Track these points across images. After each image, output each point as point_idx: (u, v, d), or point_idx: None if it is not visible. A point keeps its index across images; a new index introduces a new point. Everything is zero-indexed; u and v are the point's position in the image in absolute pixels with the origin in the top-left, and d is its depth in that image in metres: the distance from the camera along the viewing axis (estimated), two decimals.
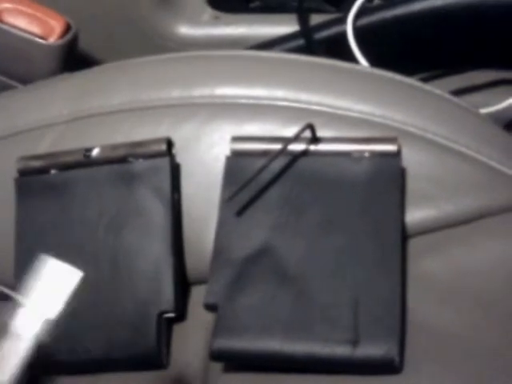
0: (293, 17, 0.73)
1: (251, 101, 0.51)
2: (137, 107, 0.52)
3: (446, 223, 0.46)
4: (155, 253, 0.47)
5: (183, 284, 0.48)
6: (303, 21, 0.72)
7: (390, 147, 0.46)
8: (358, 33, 0.66)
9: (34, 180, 0.50)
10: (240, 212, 0.46)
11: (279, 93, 0.51)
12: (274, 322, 0.42)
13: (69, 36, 0.64)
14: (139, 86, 0.54)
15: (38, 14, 0.63)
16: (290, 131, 0.47)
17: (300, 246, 0.44)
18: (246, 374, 0.42)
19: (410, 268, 0.44)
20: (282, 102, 0.50)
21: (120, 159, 0.49)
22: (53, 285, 0.27)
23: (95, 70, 0.58)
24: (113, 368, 0.46)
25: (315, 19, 0.72)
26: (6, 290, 0.26)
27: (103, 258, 0.47)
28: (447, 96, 0.53)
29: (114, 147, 0.50)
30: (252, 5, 0.79)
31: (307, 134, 0.46)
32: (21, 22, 0.63)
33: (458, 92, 0.68)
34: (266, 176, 0.46)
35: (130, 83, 0.54)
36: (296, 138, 0.46)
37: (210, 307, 0.43)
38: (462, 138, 0.49)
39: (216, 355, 0.42)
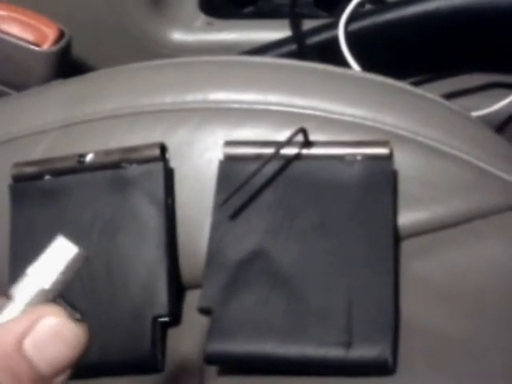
0: (285, 22, 0.73)
1: (244, 105, 0.51)
2: (130, 113, 0.52)
3: (437, 225, 0.47)
4: (149, 257, 0.47)
5: (177, 288, 0.48)
6: (295, 26, 0.72)
7: (382, 150, 0.46)
8: (350, 38, 0.66)
9: (28, 186, 0.50)
10: (233, 216, 0.46)
11: (272, 97, 0.51)
12: (268, 325, 0.42)
13: (62, 43, 0.64)
14: (133, 91, 0.54)
15: (32, 22, 0.64)
16: (282, 135, 0.48)
17: (293, 249, 0.44)
18: (240, 377, 0.42)
19: (403, 270, 0.45)
20: (275, 106, 0.51)
21: (114, 165, 0.49)
22: (50, 258, 0.28)
23: (89, 76, 0.58)
24: (107, 372, 0.46)
25: (307, 24, 0.72)
26: None
27: (98, 263, 0.47)
28: (438, 99, 0.53)
29: (108, 153, 0.50)
30: (244, 10, 0.79)
31: (300, 137, 0.47)
32: (14, 30, 0.63)
33: (450, 95, 0.68)
34: (259, 180, 0.46)
35: (123, 89, 0.54)
36: (289, 142, 0.46)
37: (204, 311, 0.43)
38: (453, 140, 0.49)
39: (211, 359, 0.42)
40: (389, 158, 0.46)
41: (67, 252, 0.28)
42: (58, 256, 0.28)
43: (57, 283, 0.28)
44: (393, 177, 0.46)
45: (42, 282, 0.28)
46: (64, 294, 0.28)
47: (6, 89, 0.65)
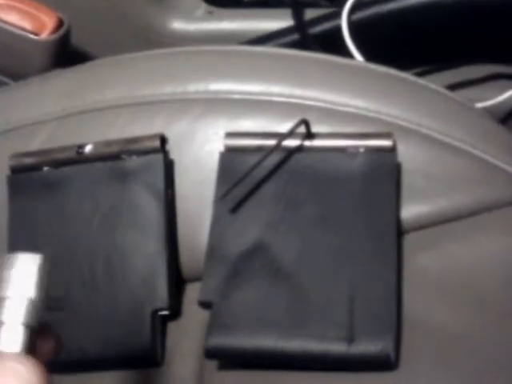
0: (287, 11, 0.72)
1: (245, 96, 0.51)
2: (130, 103, 0.52)
3: (440, 219, 0.46)
4: (149, 250, 0.46)
5: (177, 281, 0.47)
6: (298, 15, 0.71)
7: (386, 142, 0.46)
8: (353, 27, 0.66)
9: (27, 177, 0.50)
10: (234, 208, 0.45)
11: (274, 88, 0.50)
12: (269, 319, 0.41)
13: (61, 32, 0.63)
14: (133, 81, 0.53)
15: (30, 10, 0.63)
16: (284, 127, 0.47)
17: (295, 242, 0.44)
18: (241, 372, 0.42)
19: (406, 264, 0.44)
20: (277, 97, 0.50)
21: (113, 156, 0.49)
22: (21, 274, 0.29)
23: (88, 65, 0.57)
24: (107, 366, 0.45)
25: (310, 14, 0.72)
26: None
27: (97, 256, 0.47)
28: (442, 90, 0.53)
29: (108, 144, 0.49)
30: None
31: (302, 129, 0.46)
32: (13, 18, 0.63)
33: (454, 86, 0.67)
34: (261, 172, 0.46)
35: (123, 79, 0.54)
36: (290, 134, 0.46)
37: (205, 304, 0.43)
38: (457, 132, 0.48)
39: (211, 353, 0.42)
40: (392, 150, 0.46)
41: (33, 261, 0.29)
42: (26, 268, 0.29)
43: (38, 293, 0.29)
44: (396, 169, 0.46)
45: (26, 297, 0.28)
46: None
47: (3, 78, 0.64)
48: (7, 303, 0.28)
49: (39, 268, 0.29)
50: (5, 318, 0.28)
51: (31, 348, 0.28)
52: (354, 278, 0.42)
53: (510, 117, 0.67)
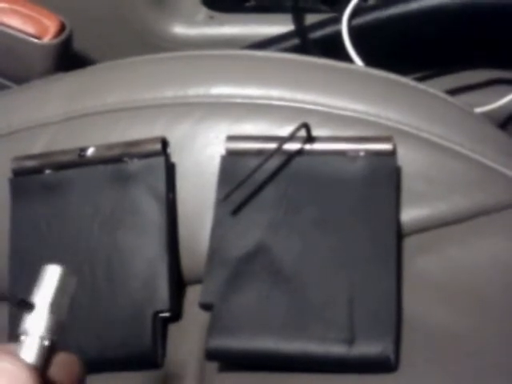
0: (288, 16, 0.73)
1: (246, 100, 0.51)
2: (131, 107, 0.52)
3: (440, 222, 0.47)
4: (150, 252, 0.47)
5: (178, 283, 0.48)
6: (298, 20, 0.72)
7: (386, 146, 0.46)
8: (353, 32, 0.66)
9: (29, 180, 0.50)
10: (235, 211, 0.46)
11: (274, 92, 0.51)
12: (270, 321, 0.42)
13: (63, 36, 0.64)
14: (134, 85, 0.54)
15: (33, 14, 0.63)
16: (285, 130, 0.47)
17: (295, 245, 0.44)
18: (241, 374, 0.42)
19: (406, 267, 0.44)
20: (278, 101, 0.50)
21: (115, 159, 0.49)
22: (43, 285, 0.30)
23: (89, 69, 0.58)
24: (108, 368, 0.45)
25: (310, 19, 0.72)
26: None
27: (98, 258, 0.47)
28: (442, 95, 0.53)
29: (109, 147, 0.50)
30: (247, 4, 0.79)
31: (302, 133, 0.46)
32: (15, 22, 0.63)
33: (453, 91, 0.68)
34: (261, 175, 0.46)
35: (124, 83, 0.54)
36: (291, 137, 0.46)
37: (206, 306, 0.43)
38: (457, 136, 0.49)
39: (211, 354, 0.42)
40: (392, 153, 0.46)
41: (57, 274, 0.30)
42: (52, 281, 0.29)
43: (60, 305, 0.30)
44: (396, 173, 0.46)
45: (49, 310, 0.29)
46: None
47: (6, 82, 0.65)
48: (31, 314, 0.29)
49: (66, 282, 0.30)
50: (27, 327, 0.29)
51: (48, 359, 0.29)
52: (354, 280, 0.42)
53: (509, 121, 0.67)
